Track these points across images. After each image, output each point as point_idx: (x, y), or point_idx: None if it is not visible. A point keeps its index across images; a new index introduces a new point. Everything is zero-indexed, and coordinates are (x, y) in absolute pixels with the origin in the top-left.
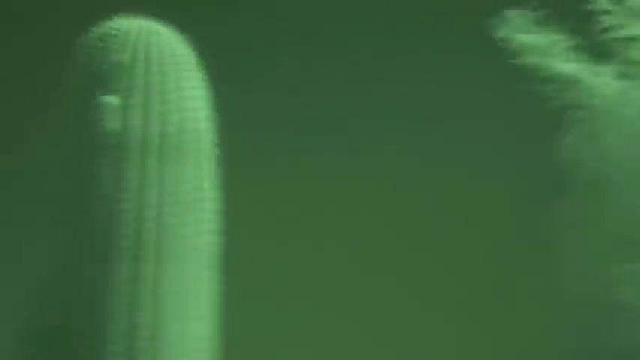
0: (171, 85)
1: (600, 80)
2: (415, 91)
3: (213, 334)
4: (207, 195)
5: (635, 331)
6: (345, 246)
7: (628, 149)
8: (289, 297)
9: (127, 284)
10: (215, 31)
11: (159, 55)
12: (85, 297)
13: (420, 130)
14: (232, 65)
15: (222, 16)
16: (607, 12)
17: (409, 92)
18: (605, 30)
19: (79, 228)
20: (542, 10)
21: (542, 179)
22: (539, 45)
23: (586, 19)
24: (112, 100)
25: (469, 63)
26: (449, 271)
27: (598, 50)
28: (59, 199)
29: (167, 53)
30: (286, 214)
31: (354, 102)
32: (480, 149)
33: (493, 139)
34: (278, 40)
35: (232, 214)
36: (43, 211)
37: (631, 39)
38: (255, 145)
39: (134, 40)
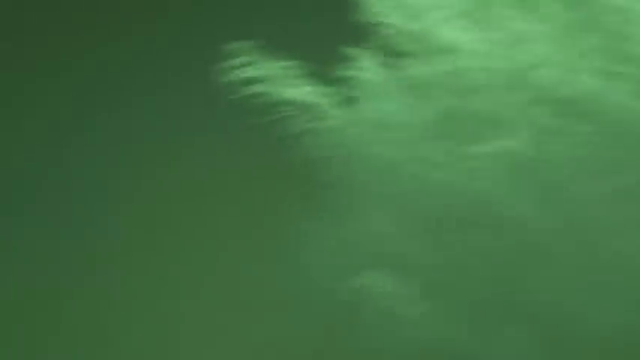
0: None
1: (329, 101)
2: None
3: None
4: None
5: (373, 334)
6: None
7: (363, 165)
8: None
9: None
10: None
11: None
12: None
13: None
14: None
15: None
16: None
17: (135, 126)
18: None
19: None
20: (272, 39)
21: (285, 196)
22: (269, 74)
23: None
24: None
25: (202, 97)
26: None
27: (332, 69)
28: None
29: None
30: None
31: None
32: (214, 167)
33: (230, 161)
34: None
35: None
36: None
37: (389, 27)
38: None
39: None
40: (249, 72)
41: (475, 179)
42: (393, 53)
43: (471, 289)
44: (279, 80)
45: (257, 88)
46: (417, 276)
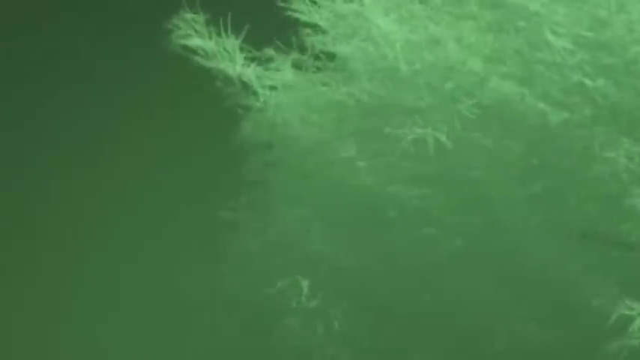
0: None
1: (266, 80)
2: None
3: None
4: None
5: (299, 334)
6: None
7: (298, 151)
8: None
9: None
10: None
11: None
12: None
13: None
14: None
15: None
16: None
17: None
18: (287, 20)
19: None
20: (212, 12)
21: (210, 180)
22: (208, 48)
23: (259, 15)
24: None
25: (143, 67)
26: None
27: (269, 47)
28: None
29: None
30: None
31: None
32: (151, 149)
33: (168, 141)
34: None
35: None
36: None
37: (310, 26)
38: None
39: None
40: (192, 44)
41: (393, 176)
42: (324, 41)
43: (384, 294)
44: (220, 55)
45: (198, 62)
46: (332, 279)
